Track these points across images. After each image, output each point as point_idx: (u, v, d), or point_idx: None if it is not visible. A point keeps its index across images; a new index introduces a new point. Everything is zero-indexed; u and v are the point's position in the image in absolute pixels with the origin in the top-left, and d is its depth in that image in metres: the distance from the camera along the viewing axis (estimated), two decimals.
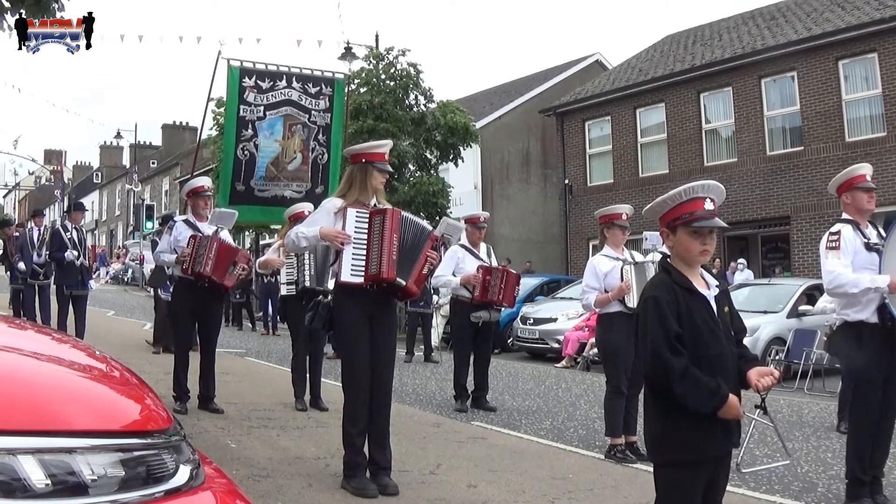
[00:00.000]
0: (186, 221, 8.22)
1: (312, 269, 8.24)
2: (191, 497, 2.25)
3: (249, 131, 10.56)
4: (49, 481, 1.97)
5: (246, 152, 10.56)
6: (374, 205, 5.57)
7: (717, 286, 3.30)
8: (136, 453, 2.18)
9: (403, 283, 5.42)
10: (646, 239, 8.18)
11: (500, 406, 9.29)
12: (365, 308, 5.42)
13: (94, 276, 12.87)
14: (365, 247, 5.37)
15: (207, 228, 8.03)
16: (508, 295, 9.17)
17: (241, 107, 10.53)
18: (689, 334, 3.09)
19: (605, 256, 7.17)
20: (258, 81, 10.67)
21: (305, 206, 8.85)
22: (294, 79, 10.92)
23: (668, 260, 3.33)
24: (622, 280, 6.87)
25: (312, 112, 11.02)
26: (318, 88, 11.11)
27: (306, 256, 8.19)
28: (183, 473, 2.29)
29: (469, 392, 9.21)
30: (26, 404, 2.11)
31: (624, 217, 7.28)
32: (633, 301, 6.81)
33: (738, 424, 3.21)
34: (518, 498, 5.42)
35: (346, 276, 5.35)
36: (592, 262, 7.25)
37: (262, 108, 10.65)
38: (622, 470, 6.42)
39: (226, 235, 8.33)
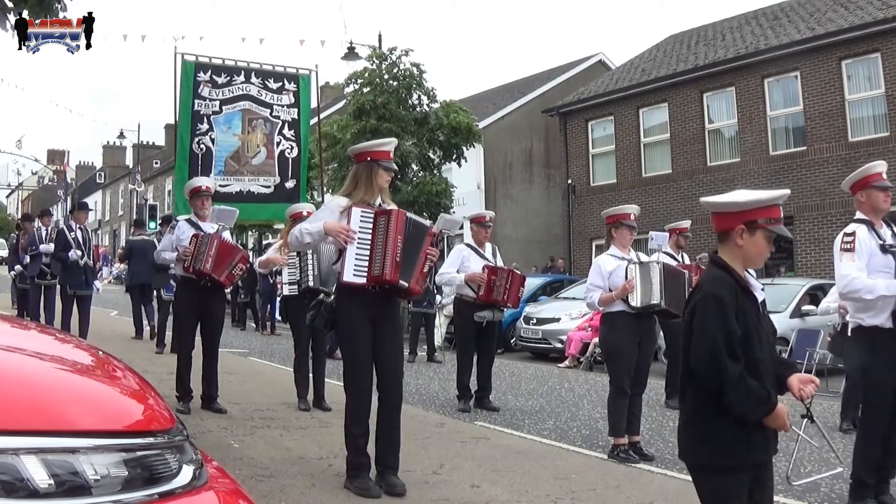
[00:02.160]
0: (189, 221, 8.23)
1: (316, 270, 8.22)
2: (194, 497, 2.25)
3: (205, 125, 10.56)
4: (52, 481, 1.97)
5: (202, 146, 10.54)
6: (380, 204, 5.52)
7: (761, 290, 3.28)
8: (139, 453, 2.18)
9: (406, 284, 5.37)
10: (651, 239, 8.12)
11: (503, 406, 9.29)
12: (367, 308, 5.37)
13: (98, 277, 12.88)
14: (368, 247, 5.31)
15: (210, 228, 8.04)
16: (513, 296, 9.16)
17: (196, 101, 10.54)
18: (740, 334, 3.04)
19: (610, 256, 7.18)
20: (213, 76, 10.67)
21: (304, 207, 8.86)
22: (253, 74, 10.93)
23: (721, 257, 3.25)
24: (626, 279, 6.87)
25: (275, 107, 11.02)
26: (280, 84, 11.12)
27: (309, 256, 8.18)
28: (186, 473, 2.29)
29: (472, 392, 9.20)
30: (29, 404, 2.11)
31: (632, 217, 7.27)
32: (636, 300, 6.82)
33: (776, 433, 3.17)
34: (521, 498, 5.42)
35: (349, 277, 5.29)
36: (597, 261, 7.26)
37: (217, 103, 10.64)
38: (625, 470, 6.42)
39: (227, 235, 8.34)
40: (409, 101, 21.86)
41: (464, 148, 22.04)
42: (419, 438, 7.11)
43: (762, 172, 19.59)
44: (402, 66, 21.81)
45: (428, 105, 22.11)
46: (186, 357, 8.07)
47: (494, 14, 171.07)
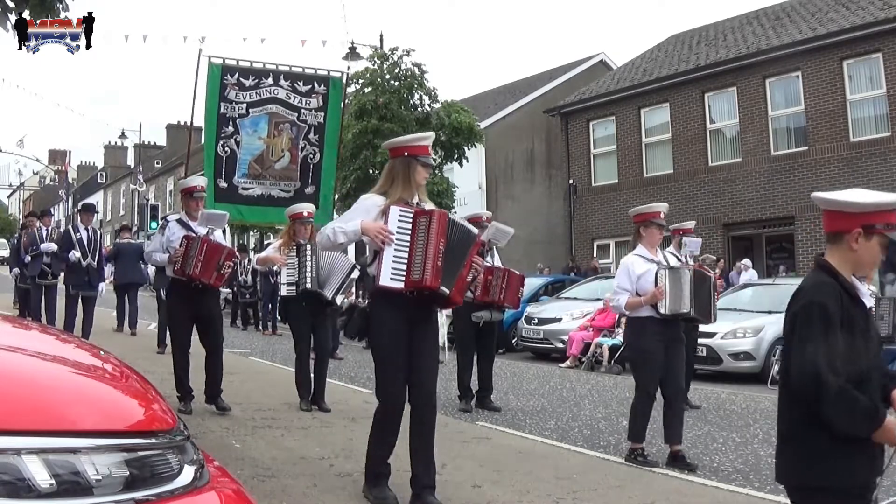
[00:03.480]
0: (180, 221, 8.02)
1: (314, 272, 8.21)
2: (195, 497, 2.25)
3: (230, 128, 10.48)
4: (53, 481, 1.97)
5: (227, 149, 10.47)
6: (418, 203, 5.12)
7: (870, 295, 3.08)
8: (141, 453, 2.18)
9: (447, 292, 4.95)
10: (685, 245, 7.79)
11: (504, 406, 9.29)
12: (404, 315, 4.98)
13: (102, 278, 12.85)
14: (407, 250, 4.88)
15: (201, 229, 7.85)
16: (511, 296, 9.13)
17: (222, 104, 10.44)
18: (845, 346, 2.79)
19: (639, 257, 6.87)
20: (241, 79, 10.58)
21: (305, 207, 8.77)
22: (282, 77, 10.82)
23: (828, 260, 2.99)
24: (656, 285, 6.60)
25: (302, 111, 10.91)
26: (310, 87, 11.01)
27: (308, 258, 8.16)
28: (187, 474, 2.29)
29: (473, 392, 9.20)
30: (31, 404, 2.11)
31: (661, 216, 6.98)
32: (665, 308, 6.60)
33: (882, 450, 2.92)
34: (523, 498, 5.42)
35: (386, 280, 4.86)
36: (626, 263, 6.93)
37: (244, 106, 10.56)
38: (626, 470, 6.42)
39: (219, 236, 8.13)
40: (411, 101, 21.87)
41: (465, 148, 22.05)
42: None
43: (763, 172, 19.60)
44: (403, 66, 21.82)
45: (429, 105, 22.12)
46: (183, 357, 7.91)
47: (495, 14, 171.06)
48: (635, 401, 6.79)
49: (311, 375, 8.56)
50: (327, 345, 9.04)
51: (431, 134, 5.67)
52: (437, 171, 22.03)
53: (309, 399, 8.43)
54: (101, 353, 2.93)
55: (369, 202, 5.12)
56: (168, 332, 12.70)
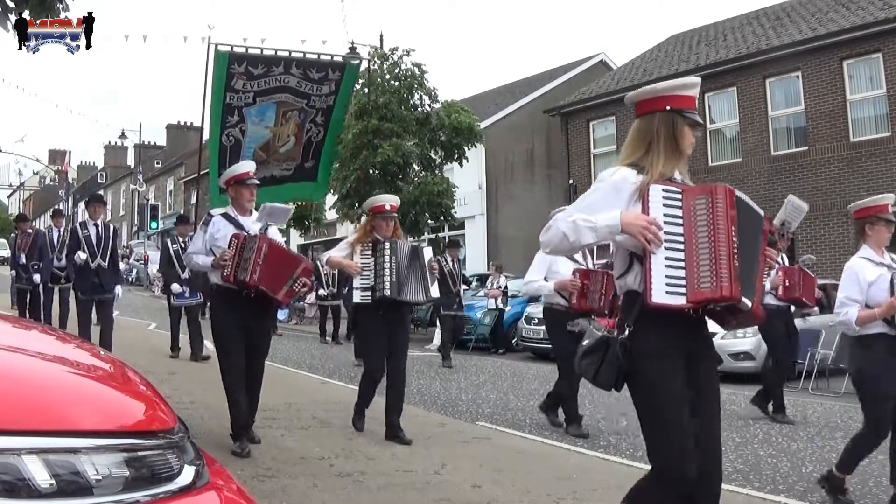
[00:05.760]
0: (226, 216, 6.61)
1: (393, 276, 7.05)
2: (195, 497, 2.25)
3: (235, 117, 10.36)
4: (53, 481, 1.97)
5: (231, 138, 10.37)
6: (681, 180, 3.64)
7: None
8: (141, 453, 2.18)
9: (749, 304, 3.32)
10: None
11: (504, 406, 9.29)
12: (683, 345, 3.36)
13: (120, 280, 11.92)
14: (682, 248, 3.32)
15: (253, 225, 6.54)
16: (607, 302, 7.68)
17: (228, 94, 10.32)
18: None
19: (866, 260, 5.60)
20: (249, 67, 10.45)
21: (388, 199, 7.51)
22: (294, 64, 10.70)
23: None
24: (892, 294, 5.35)
25: (312, 97, 10.84)
26: (324, 74, 10.92)
27: (387, 259, 7.04)
28: (187, 473, 2.29)
29: (579, 414, 8.06)
30: (31, 404, 2.11)
31: (889, 209, 5.74)
32: None
33: None
34: (523, 498, 5.41)
35: (660, 296, 3.25)
36: (853, 268, 5.60)
37: (251, 95, 10.44)
38: (626, 470, 6.40)
39: (274, 233, 6.79)
40: (411, 101, 21.85)
41: (465, 148, 22.03)
42: (421, 438, 7.10)
43: (764, 173, 19.60)
44: (403, 66, 21.81)
45: (429, 105, 22.11)
46: (235, 381, 6.38)
47: (495, 14, 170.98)
48: (864, 434, 5.57)
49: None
50: (403, 366, 7.36)
51: (697, 80, 3.85)
52: (437, 171, 22.06)
53: (362, 427, 7.35)
54: (102, 353, 2.93)
55: (617, 177, 3.48)
56: (183, 335, 12.36)
